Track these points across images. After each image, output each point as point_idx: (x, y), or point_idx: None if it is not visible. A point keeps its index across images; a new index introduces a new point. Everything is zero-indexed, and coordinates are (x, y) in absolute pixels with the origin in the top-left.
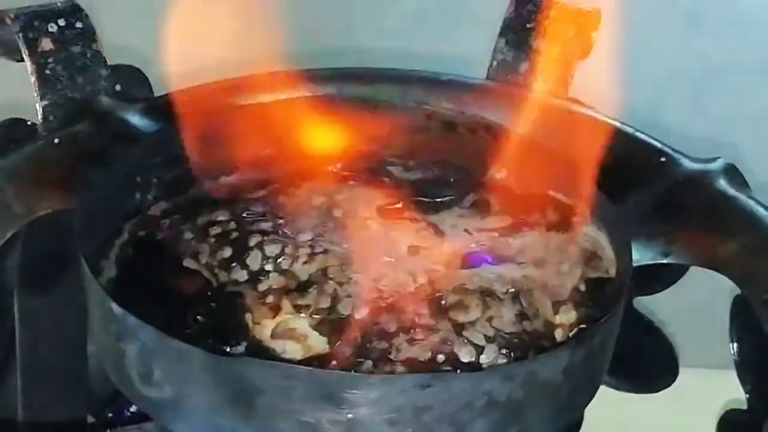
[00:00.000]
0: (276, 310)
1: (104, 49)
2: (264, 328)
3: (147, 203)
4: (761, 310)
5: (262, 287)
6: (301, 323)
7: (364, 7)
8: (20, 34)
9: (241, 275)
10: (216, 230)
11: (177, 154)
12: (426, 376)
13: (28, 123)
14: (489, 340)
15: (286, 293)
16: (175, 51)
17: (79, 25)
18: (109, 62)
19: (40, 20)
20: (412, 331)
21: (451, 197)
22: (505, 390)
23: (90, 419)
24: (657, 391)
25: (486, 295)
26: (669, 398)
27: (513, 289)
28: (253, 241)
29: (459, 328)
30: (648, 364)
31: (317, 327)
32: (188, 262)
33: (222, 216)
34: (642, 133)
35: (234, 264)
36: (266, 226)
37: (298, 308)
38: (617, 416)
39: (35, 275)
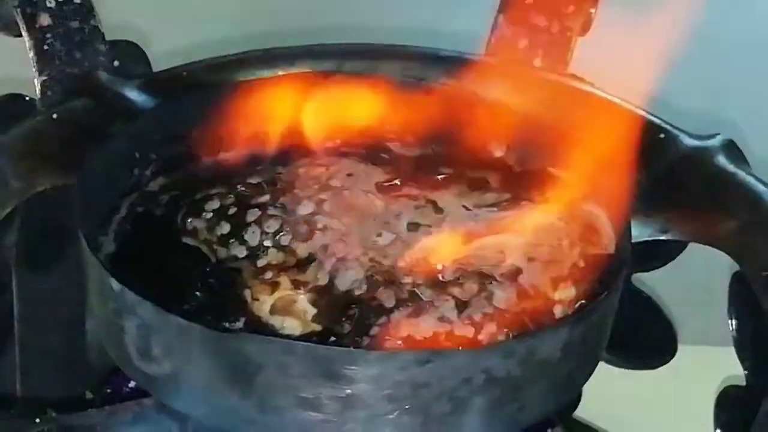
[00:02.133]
0: (275, 286)
1: (102, 25)
2: (263, 304)
3: (145, 179)
4: (760, 287)
5: (260, 263)
6: (300, 299)
7: None
8: (18, 10)
9: (240, 251)
10: (214, 206)
11: (176, 130)
12: (425, 352)
13: (27, 98)
14: (488, 316)
15: (285, 269)
16: (174, 27)
17: (77, 0)
18: (107, 38)
19: None
20: (410, 307)
21: (450, 174)
22: (504, 366)
23: (88, 395)
24: (655, 367)
25: (485, 271)
26: (667, 375)
27: (512, 266)
28: (252, 217)
29: (458, 305)
30: (647, 340)
31: (316, 303)
32: (187, 238)
33: (220, 192)
34: (641, 108)
35: (233, 240)
36: (265, 202)
37: (296, 284)
38: (616, 393)
39: (33, 251)
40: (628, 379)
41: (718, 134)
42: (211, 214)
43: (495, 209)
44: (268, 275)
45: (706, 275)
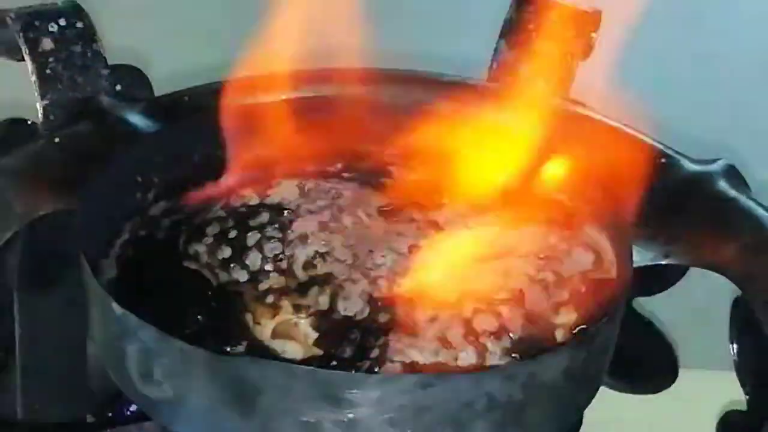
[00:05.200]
0: (276, 310)
1: (105, 49)
2: (264, 328)
3: (147, 203)
4: (761, 312)
5: (262, 287)
6: (302, 323)
7: (365, 8)
8: (21, 34)
9: (241, 275)
10: (215, 230)
11: (178, 154)
12: (427, 376)
13: (29, 122)
14: (490, 340)
15: (286, 293)
16: (176, 51)
17: (79, 24)
18: (109, 62)
19: (41, 20)
20: (412, 330)
21: (452, 198)
22: (506, 390)
23: (90, 419)
24: (657, 391)
25: (487, 295)
26: (669, 399)
27: (514, 289)
28: (253, 240)
29: (460, 328)
30: (648, 364)
31: (317, 327)
32: (188, 262)
33: (222, 216)
34: (643, 133)
35: (234, 264)
36: (266, 226)
37: (298, 308)
38: (617, 417)
39: (35, 275)
40: (630, 403)
41: (720, 159)
42: (212, 238)
43: (496, 233)
44: (270, 299)
45: (708, 299)
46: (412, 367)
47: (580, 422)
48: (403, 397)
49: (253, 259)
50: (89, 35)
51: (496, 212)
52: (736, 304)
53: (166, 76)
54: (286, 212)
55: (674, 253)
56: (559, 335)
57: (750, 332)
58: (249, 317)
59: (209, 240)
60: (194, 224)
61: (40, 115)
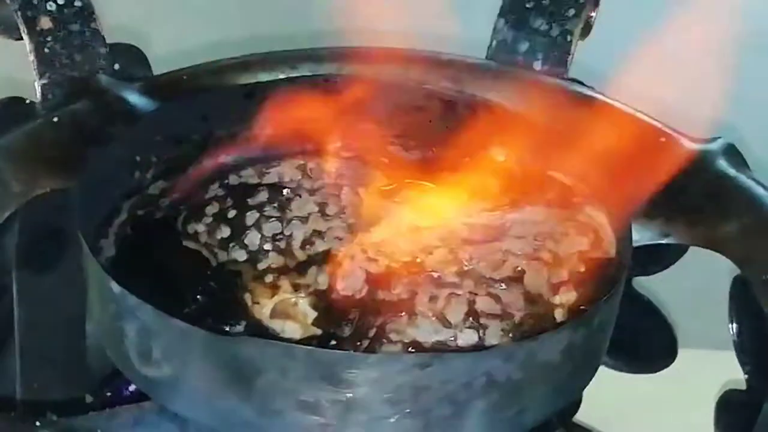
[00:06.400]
0: (275, 289)
1: (103, 28)
2: (263, 308)
3: (146, 182)
4: (761, 291)
5: (261, 266)
6: (301, 302)
7: None
8: (19, 13)
9: (240, 254)
10: (214, 210)
11: (176, 133)
12: (426, 356)
13: (27, 101)
14: (489, 319)
15: (285, 272)
16: (175, 30)
17: (77, 3)
18: (107, 41)
19: None
20: (411, 310)
21: (451, 177)
22: (505, 370)
23: (88, 398)
24: (656, 371)
25: (486, 275)
26: (668, 379)
27: (513, 269)
28: (251, 220)
29: (460, 308)
30: (647, 344)
31: (316, 306)
32: (187, 242)
33: (220, 195)
34: (642, 112)
35: (233, 243)
36: (265, 205)
37: (297, 287)
38: (616, 397)
39: (34, 254)
40: (629, 383)
41: (719, 138)
42: (212, 217)
43: (495, 212)
44: (269, 278)
45: (707, 279)
46: (411, 347)
47: (579, 402)
48: (402, 377)
49: (252, 239)
50: (87, 14)
51: (495, 192)
52: (736, 283)
53: (165, 54)
54: (285, 191)
55: (673, 232)
56: (559, 315)
57: (749, 311)
58: (248, 297)
59: (208, 219)
60: (193, 203)
61: (38, 94)
